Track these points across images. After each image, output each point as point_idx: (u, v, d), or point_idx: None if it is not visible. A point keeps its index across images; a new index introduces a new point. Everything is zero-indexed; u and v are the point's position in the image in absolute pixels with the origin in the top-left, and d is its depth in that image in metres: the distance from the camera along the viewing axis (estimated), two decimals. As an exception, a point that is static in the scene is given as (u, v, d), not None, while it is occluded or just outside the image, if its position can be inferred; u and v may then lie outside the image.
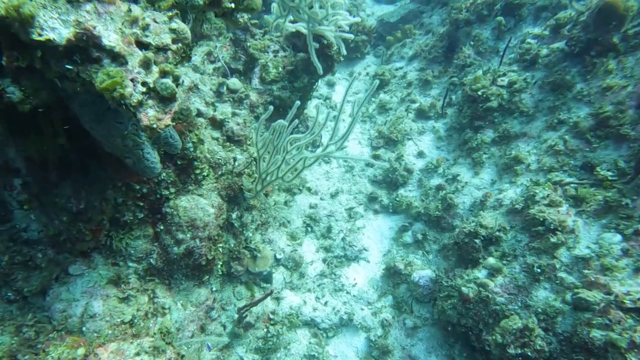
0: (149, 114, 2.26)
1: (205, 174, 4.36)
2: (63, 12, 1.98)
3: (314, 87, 6.32)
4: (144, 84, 2.25)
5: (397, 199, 6.17)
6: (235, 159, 4.74)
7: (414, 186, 6.29)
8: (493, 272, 4.21)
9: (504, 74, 5.84)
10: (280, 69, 5.77)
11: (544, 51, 5.58)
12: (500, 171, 5.30)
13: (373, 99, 7.89)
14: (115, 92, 2.05)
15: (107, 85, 2.02)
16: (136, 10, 2.36)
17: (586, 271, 3.66)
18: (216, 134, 4.99)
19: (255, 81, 5.83)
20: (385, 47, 9.13)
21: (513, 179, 4.97)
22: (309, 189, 6.61)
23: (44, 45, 1.97)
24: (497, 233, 4.38)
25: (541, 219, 3.98)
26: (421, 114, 6.96)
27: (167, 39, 2.44)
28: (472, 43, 6.87)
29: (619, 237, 3.65)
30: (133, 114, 2.23)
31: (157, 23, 2.44)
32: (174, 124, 3.92)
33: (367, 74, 8.77)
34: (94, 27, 2.09)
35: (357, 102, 3.73)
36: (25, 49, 1.97)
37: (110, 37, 2.15)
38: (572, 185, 4.07)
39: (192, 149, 4.06)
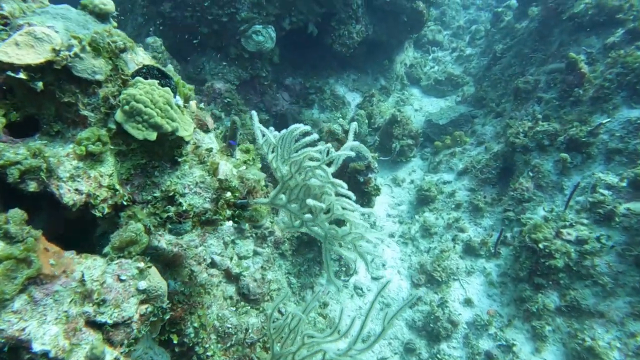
0: None
1: (209, 353, 3.74)
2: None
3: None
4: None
5: (439, 356, 5.23)
6: (247, 329, 4.11)
7: (459, 343, 5.35)
8: None
9: (571, 225, 4.96)
10: (310, 202, 5.23)
11: (622, 209, 4.69)
12: (570, 358, 4.29)
13: (417, 217, 7.15)
14: None
15: None
16: (94, 274, 1.88)
17: None
18: (230, 290, 4.43)
19: (282, 213, 5.32)
20: (432, 153, 8.49)
21: (588, 380, 3.96)
22: (338, 332, 5.82)
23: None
24: None
25: None
26: (470, 250, 6.11)
27: (131, 308, 1.93)
28: (531, 174, 6.07)
29: None
30: None
31: (121, 282, 1.95)
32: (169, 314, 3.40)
33: (412, 181, 8.10)
34: (23, 330, 1.60)
35: (388, 316, 3.00)
36: None
37: (46, 337, 1.67)
38: None
39: (192, 335, 3.48)
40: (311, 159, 2.38)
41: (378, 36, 9.19)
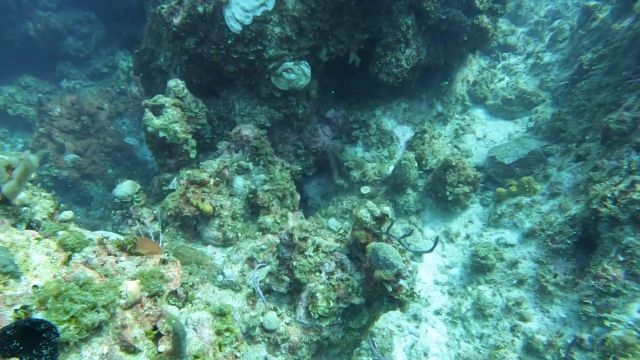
0: None
1: None
2: None
3: (377, 318, 4.89)
4: None
5: None
6: None
7: None
8: None
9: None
10: (332, 303, 4.49)
11: None
12: None
13: (469, 289, 6.07)
14: None
15: None
16: None
17: None
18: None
19: (301, 312, 4.63)
20: (494, 199, 7.21)
21: None
22: None
23: None
24: None
25: None
26: (532, 351, 4.96)
27: None
28: (621, 258, 4.73)
29: None
30: None
31: None
32: None
33: (468, 236, 6.96)
34: None
35: None
36: None
37: None
38: None
39: None
40: None
41: (433, 59, 7.92)
